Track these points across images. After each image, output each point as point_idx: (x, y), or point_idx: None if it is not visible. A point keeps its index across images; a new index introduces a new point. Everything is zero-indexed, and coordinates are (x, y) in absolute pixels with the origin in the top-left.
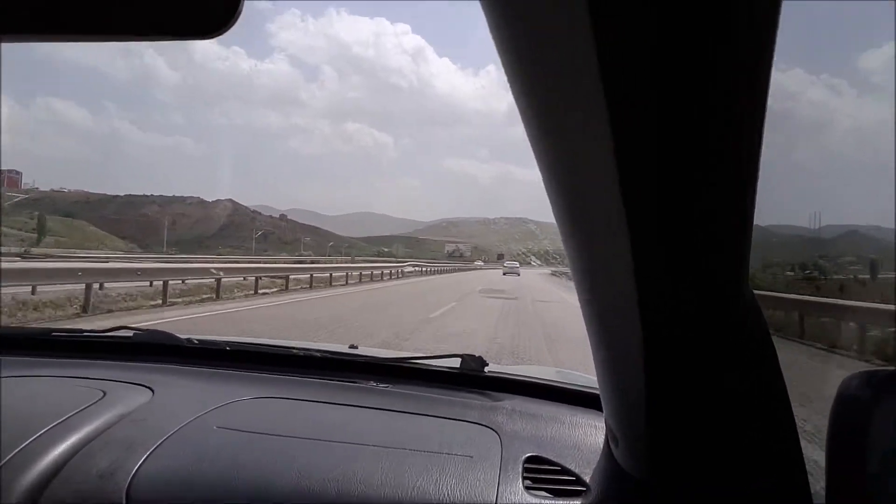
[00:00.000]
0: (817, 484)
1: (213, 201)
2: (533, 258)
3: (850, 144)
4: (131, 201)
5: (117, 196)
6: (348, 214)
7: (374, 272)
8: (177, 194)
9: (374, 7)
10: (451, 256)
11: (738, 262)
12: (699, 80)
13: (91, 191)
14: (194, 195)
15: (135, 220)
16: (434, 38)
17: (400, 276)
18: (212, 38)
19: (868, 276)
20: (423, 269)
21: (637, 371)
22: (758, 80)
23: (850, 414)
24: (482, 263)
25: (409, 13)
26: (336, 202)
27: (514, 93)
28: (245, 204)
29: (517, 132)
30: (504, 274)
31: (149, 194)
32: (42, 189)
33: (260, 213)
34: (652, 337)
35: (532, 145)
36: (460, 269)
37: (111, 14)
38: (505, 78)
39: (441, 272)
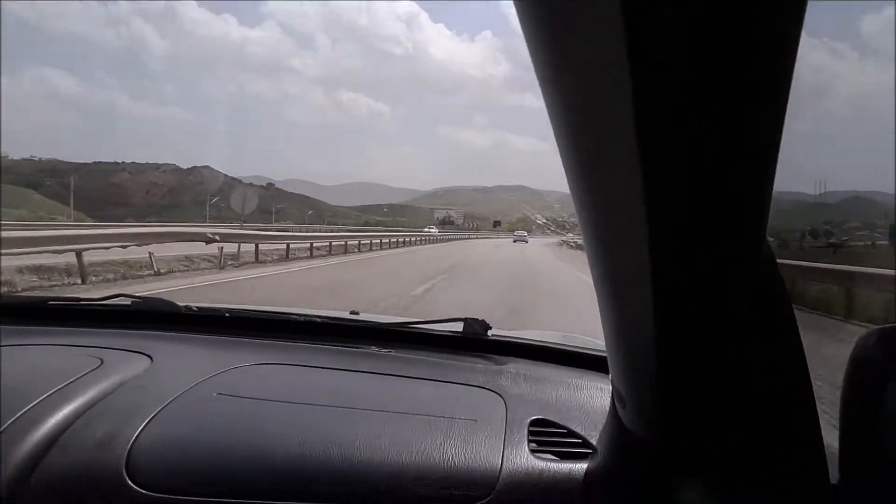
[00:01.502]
0: (832, 444)
1: (188, 168)
2: (534, 226)
3: (852, 110)
4: (100, 169)
5: (85, 164)
6: (346, 184)
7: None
8: (150, 161)
9: None
10: (442, 224)
11: (756, 220)
12: (731, 41)
13: (63, 159)
14: (170, 162)
15: (101, 189)
16: (428, 4)
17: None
18: None
19: (887, 242)
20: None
21: (646, 331)
22: (790, 40)
23: (865, 373)
24: (436, 231)
25: None
26: (333, 172)
27: (531, 51)
28: (240, 175)
29: (514, 99)
30: (514, 241)
31: (119, 161)
32: (13, 158)
33: (240, 182)
34: (663, 296)
35: (547, 103)
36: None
37: None
38: (502, 44)
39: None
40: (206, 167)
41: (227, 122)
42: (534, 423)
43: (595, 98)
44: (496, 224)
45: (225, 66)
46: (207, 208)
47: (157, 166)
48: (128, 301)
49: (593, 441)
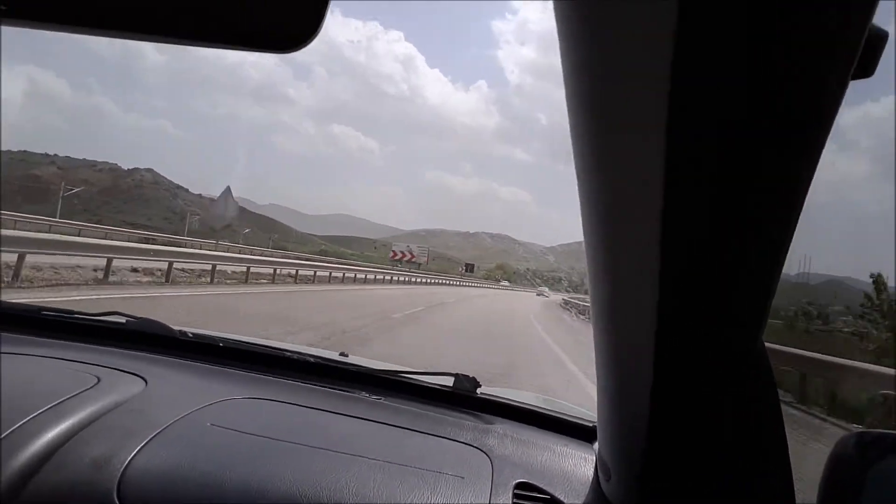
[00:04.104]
0: None
1: (129, 169)
2: (515, 274)
3: (829, 197)
4: (24, 159)
5: (9, 151)
6: (328, 215)
7: None
8: (88, 157)
9: (367, 10)
10: (399, 261)
11: (757, 315)
12: (759, 138)
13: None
14: (111, 161)
15: (16, 180)
16: (426, 49)
17: None
18: (291, 52)
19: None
20: None
21: (642, 408)
22: (817, 141)
23: (842, 475)
24: None
25: (403, 20)
26: (317, 202)
27: (569, 105)
28: (217, 193)
29: (502, 150)
30: (537, 295)
31: (51, 154)
32: None
33: (187, 191)
34: (662, 377)
35: (577, 164)
36: None
37: (194, 20)
38: (495, 95)
39: None
40: (149, 170)
41: (214, 141)
42: (519, 485)
43: (624, 157)
44: (468, 268)
45: (219, 87)
46: (59, 204)
47: (93, 164)
48: (122, 320)
49: None
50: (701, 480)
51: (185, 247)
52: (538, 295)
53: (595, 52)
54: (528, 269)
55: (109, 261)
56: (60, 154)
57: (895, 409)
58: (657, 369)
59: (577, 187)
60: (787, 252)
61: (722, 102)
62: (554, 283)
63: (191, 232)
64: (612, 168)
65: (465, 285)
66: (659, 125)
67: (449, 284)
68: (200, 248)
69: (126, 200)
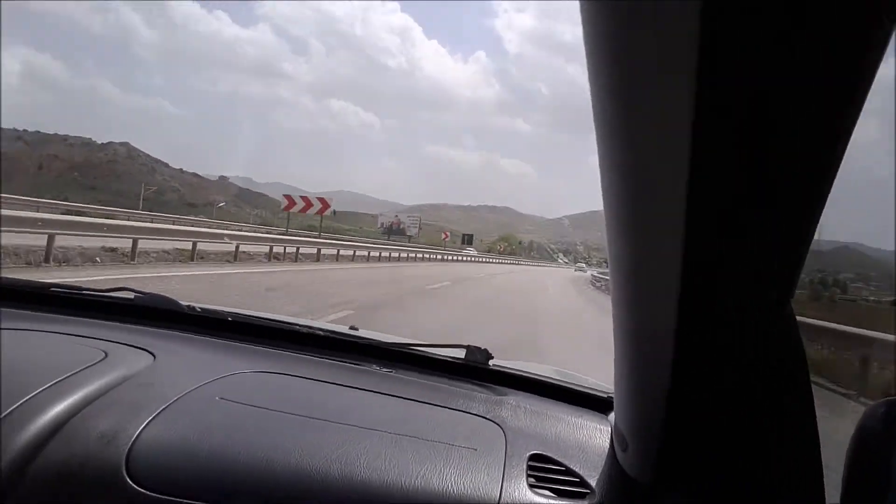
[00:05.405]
0: None
1: (103, 143)
2: (518, 247)
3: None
4: None
5: None
6: (328, 192)
7: None
8: (59, 132)
9: None
10: (389, 233)
11: (786, 280)
12: (794, 94)
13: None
14: (86, 136)
15: None
16: (423, 20)
17: None
18: None
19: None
20: None
21: (662, 376)
22: (857, 93)
23: (871, 443)
24: None
25: None
26: (317, 179)
27: (591, 77)
28: (212, 172)
29: (504, 122)
30: (575, 270)
31: (19, 129)
32: None
33: (167, 165)
34: (684, 343)
35: (599, 135)
36: None
37: None
38: (494, 66)
39: None
40: (124, 143)
41: (213, 120)
42: (533, 457)
43: (649, 122)
44: (466, 239)
45: (217, 64)
46: None
47: (65, 138)
48: (131, 295)
49: (591, 481)
50: (721, 453)
51: (121, 219)
52: (577, 270)
53: (621, 49)
54: (532, 241)
55: None
56: (30, 130)
57: None
58: (679, 338)
59: (597, 155)
60: (820, 214)
61: (755, 55)
62: (549, 255)
63: (158, 206)
64: (637, 127)
65: (456, 261)
66: (689, 76)
67: (432, 260)
68: (152, 223)
69: (96, 176)
